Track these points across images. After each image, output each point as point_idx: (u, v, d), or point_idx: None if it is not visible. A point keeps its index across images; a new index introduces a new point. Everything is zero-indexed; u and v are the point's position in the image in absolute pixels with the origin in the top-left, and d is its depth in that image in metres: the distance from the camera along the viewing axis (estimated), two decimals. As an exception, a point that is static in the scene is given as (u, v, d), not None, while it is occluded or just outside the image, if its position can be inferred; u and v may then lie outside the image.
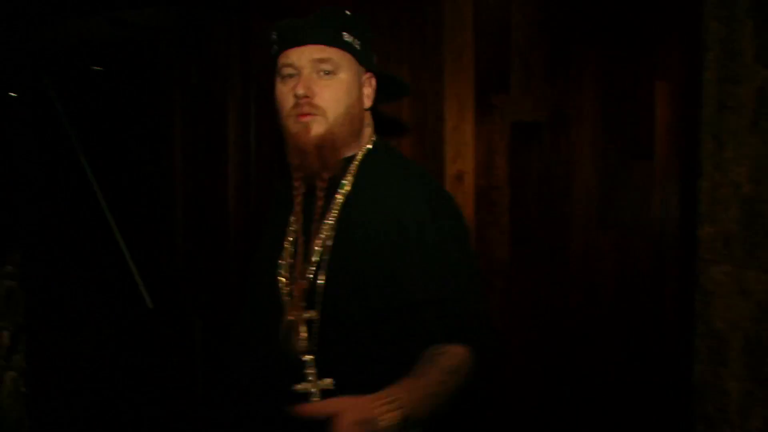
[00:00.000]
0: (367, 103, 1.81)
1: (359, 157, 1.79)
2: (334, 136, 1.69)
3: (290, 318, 1.67)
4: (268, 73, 3.15)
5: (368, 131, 1.84)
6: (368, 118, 1.84)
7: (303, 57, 1.68)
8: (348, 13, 1.76)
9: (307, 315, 1.65)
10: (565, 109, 2.82)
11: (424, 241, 1.63)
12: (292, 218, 1.79)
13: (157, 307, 4.17)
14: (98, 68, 4.52)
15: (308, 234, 1.72)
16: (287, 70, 1.73)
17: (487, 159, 2.85)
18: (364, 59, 1.77)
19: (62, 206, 4.62)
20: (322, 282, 1.66)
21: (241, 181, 3.40)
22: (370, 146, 1.84)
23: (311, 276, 1.68)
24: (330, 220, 1.71)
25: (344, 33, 1.70)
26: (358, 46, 1.74)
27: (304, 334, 1.65)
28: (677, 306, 2.68)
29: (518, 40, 2.84)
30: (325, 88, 1.69)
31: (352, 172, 1.76)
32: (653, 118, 2.73)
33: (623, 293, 2.77)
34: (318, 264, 1.68)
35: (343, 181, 1.74)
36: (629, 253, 2.76)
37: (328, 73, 1.69)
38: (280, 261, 1.79)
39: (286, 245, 1.80)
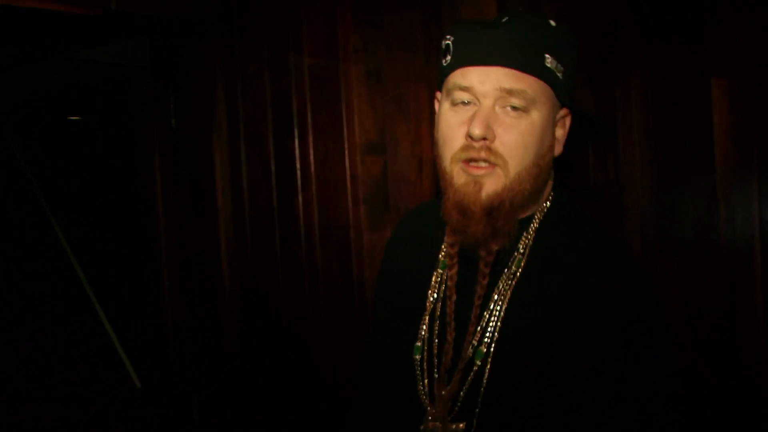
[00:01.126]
0: (558, 149, 1.39)
1: (536, 222, 1.41)
2: (512, 197, 1.30)
3: (435, 426, 1.37)
4: (258, 107, 2.94)
5: (549, 185, 1.43)
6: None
7: (488, 82, 1.29)
8: (552, 23, 1.33)
9: (454, 427, 1.35)
10: (611, 119, 2.57)
11: (632, 376, 1.28)
12: (433, 294, 1.47)
13: (146, 386, 3.90)
14: (64, 116, 4.18)
15: (460, 319, 1.39)
16: (461, 95, 1.33)
17: None
18: (564, 93, 1.36)
19: (33, 273, 4.35)
20: (480, 387, 1.34)
21: (235, 237, 3.07)
22: (548, 204, 1.43)
23: (467, 377, 1.36)
24: (496, 308, 1.37)
25: (547, 55, 1.29)
26: (560, 75, 1.32)
27: None
28: (759, 344, 2.41)
29: None
30: (511, 130, 1.29)
31: (527, 242, 1.39)
32: (711, 122, 2.49)
33: (690, 328, 2.50)
34: (475, 362, 1.35)
35: (517, 255, 1.38)
36: (695, 281, 2.51)
37: (516, 109, 1.29)
38: (417, 344, 1.45)
39: (424, 325, 1.46)
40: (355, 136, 2.41)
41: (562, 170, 2.47)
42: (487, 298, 1.37)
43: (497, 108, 1.29)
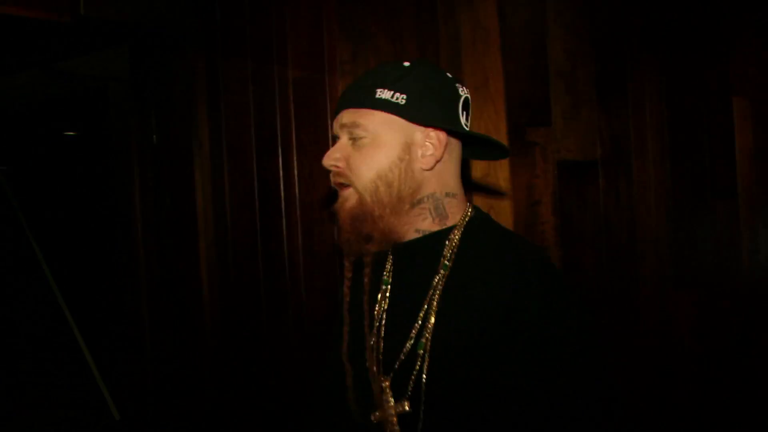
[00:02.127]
0: (425, 162, 1.66)
1: (458, 231, 1.68)
2: (368, 206, 1.63)
3: (380, 414, 1.61)
4: (242, 122, 2.80)
5: (453, 203, 1.70)
6: (454, 188, 1.71)
7: (337, 124, 1.68)
8: (406, 64, 1.66)
9: (399, 410, 1.59)
10: (623, 140, 2.50)
11: (551, 350, 1.52)
12: (365, 297, 1.71)
13: (125, 418, 3.77)
14: (43, 129, 4.04)
15: (396, 316, 1.67)
16: (335, 140, 1.73)
17: (529, 213, 2.42)
18: (416, 115, 1.64)
19: (9, 294, 4.25)
20: (419, 371, 1.58)
21: (217, 262, 2.95)
22: (467, 219, 1.70)
23: (406, 365, 1.61)
24: (431, 305, 1.61)
25: (378, 90, 1.63)
26: (401, 101, 1.62)
27: None
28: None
29: (558, 57, 2.46)
30: (355, 155, 1.64)
31: (451, 250, 1.65)
32: (732, 144, 2.42)
33: (708, 367, 2.44)
34: (414, 352, 1.60)
35: (443, 260, 1.64)
36: (713, 315, 2.45)
37: (359, 137, 1.64)
38: (369, 342, 1.70)
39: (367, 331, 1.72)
40: (341, 156, 2.26)
41: (569, 194, 2.37)
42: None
43: (349, 141, 1.63)
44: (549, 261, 1.68)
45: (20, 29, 2.77)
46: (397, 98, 1.62)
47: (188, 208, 3.00)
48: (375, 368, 1.65)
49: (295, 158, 2.54)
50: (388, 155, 1.63)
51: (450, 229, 1.67)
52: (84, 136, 4.09)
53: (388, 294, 1.71)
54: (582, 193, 2.46)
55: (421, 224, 1.66)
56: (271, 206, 2.64)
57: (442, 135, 1.65)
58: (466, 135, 1.71)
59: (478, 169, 2.39)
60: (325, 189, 2.41)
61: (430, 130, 1.65)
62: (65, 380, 4.13)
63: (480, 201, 2.41)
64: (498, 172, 2.38)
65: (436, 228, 1.66)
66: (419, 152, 1.64)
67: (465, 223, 1.69)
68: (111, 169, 3.26)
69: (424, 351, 1.57)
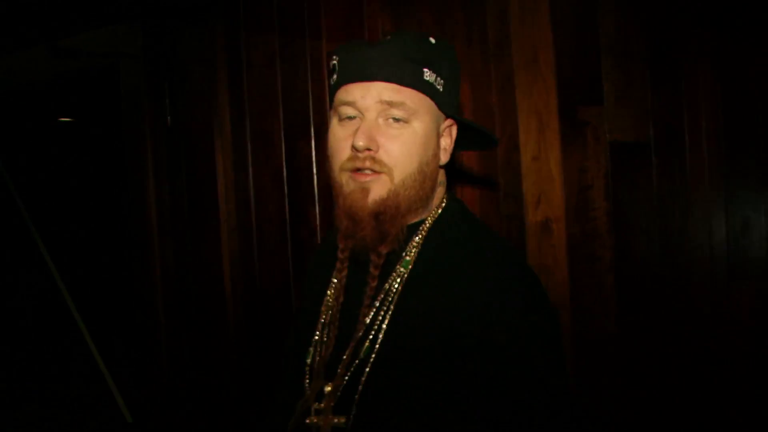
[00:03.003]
0: (444, 158, 1.59)
1: (427, 225, 1.59)
2: (398, 202, 1.49)
3: (315, 421, 1.50)
4: (268, 102, 2.71)
5: (440, 191, 1.63)
6: (441, 176, 1.63)
7: (369, 96, 1.48)
8: (432, 40, 1.53)
9: (336, 421, 1.47)
10: (677, 121, 2.42)
11: (510, 362, 1.42)
12: (330, 293, 1.64)
13: (138, 421, 3.75)
14: (47, 113, 3.97)
15: (351, 319, 1.55)
16: (347, 110, 1.51)
17: (580, 198, 2.37)
18: (446, 104, 1.55)
19: (13, 292, 4.32)
20: (360, 385, 1.47)
21: (240, 253, 2.88)
22: (440, 210, 1.62)
23: (348, 374, 1.50)
24: (383, 307, 1.51)
25: (425, 69, 1.49)
26: (440, 87, 1.52)
27: None
28: None
29: (609, 32, 2.38)
30: (394, 140, 1.49)
31: (416, 245, 1.57)
32: None
33: (765, 359, 2.33)
34: (359, 359, 1.50)
35: (406, 258, 1.56)
36: None
37: (398, 120, 1.49)
38: (310, 348, 1.62)
39: (318, 331, 1.63)
40: (382, 137, 2.20)
41: (621, 178, 2.31)
42: (374, 299, 1.52)
43: (380, 120, 1.47)
44: (525, 263, 1.61)
45: (21, 3, 2.73)
46: (438, 82, 1.52)
47: (208, 196, 2.94)
48: (316, 370, 1.56)
49: (330, 141, 2.47)
50: (427, 146, 1.52)
51: (421, 222, 1.59)
52: (93, 118, 4.02)
53: (343, 292, 1.60)
54: (634, 177, 2.40)
55: (411, 220, 1.57)
56: (303, 193, 2.58)
57: (454, 127, 1.59)
58: (469, 127, 1.62)
59: (528, 151, 2.33)
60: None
61: (448, 120, 1.58)
62: (76, 382, 4.15)
63: (529, 186, 2.35)
64: (549, 154, 2.32)
65: (413, 221, 1.57)
66: (441, 143, 1.57)
67: (437, 215, 1.61)
68: (122, 155, 3.21)
69: (367, 356, 1.48)
